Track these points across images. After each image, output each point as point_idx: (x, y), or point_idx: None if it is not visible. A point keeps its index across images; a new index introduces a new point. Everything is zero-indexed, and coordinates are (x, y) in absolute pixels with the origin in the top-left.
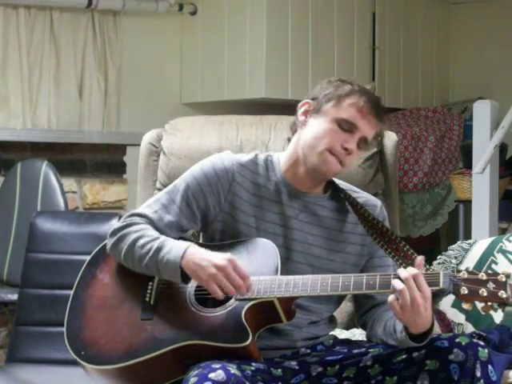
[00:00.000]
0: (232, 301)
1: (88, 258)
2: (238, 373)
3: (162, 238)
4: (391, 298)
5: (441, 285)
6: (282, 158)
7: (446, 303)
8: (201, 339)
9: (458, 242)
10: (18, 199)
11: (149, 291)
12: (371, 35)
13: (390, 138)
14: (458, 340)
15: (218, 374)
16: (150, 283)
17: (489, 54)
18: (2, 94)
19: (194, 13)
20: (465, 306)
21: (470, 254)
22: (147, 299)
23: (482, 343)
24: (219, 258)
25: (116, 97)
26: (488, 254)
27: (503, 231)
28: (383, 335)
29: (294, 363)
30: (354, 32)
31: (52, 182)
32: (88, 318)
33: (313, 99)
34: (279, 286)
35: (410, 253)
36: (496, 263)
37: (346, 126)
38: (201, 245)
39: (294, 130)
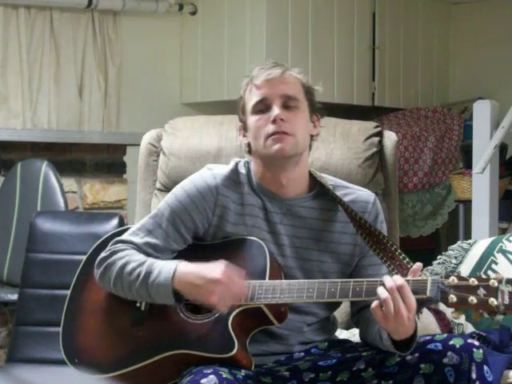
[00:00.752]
0: None
1: (84, 258)
2: (229, 376)
3: (149, 261)
4: (374, 304)
5: (427, 293)
6: (252, 167)
7: None
8: (189, 349)
9: (458, 242)
10: (17, 199)
11: None
12: (371, 35)
13: (390, 138)
14: (451, 342)
15: (210, 379)
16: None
17: (489, 54)
18: (1, 94)
19: (194, 13)
20: (454, 314)
21: (470, 254)
22: (138, 305)
23: (476, 343)
24: (213, 272)
25: (116, 97)
26: (488, 254)
27: (503, 231)
28: (373, 341)
29: (285, 372)
30: (354, 32)
31: (52, 182)
32: (81, 324)
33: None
34: (266, 292)
35: (401, 257)
36: (496, 263)
37: (260, 108)
38: (192, 246)
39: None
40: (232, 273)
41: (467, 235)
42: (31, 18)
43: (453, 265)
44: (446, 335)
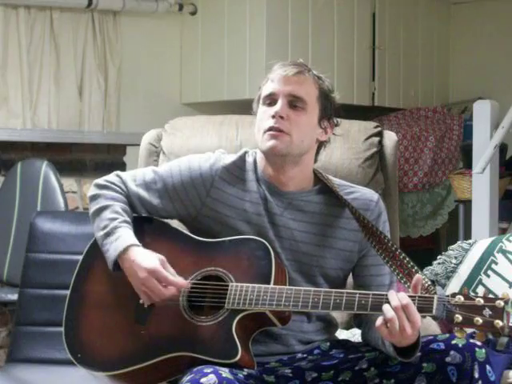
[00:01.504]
0: (224, 310)
1: (86, 247)
2: (230, 376)
3: (119, 220)
4: (379, 322)
5: (433, 312)
6: (258, 157)
7: None
8: (191, 352)
9: (458, 242)
10: (17, 199)
11: None
12: (371, 35)
13: (390, 138)
14: (454, 342)
15: (210, 379)
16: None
17: (489, 54)
18: (2, 94)
19: (194, 13)
20: (458, 333)
21: (470, 254)
22: (141, 301)
23: (478, 343)
24: (150, 260)
25: (116, 97)
26: (488, 254)
27: (503, 231)
28: (376, 345)
29: (288, 371)
30: (354, 32)
31: (52, 182)
32: (84, 317)
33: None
34: (271, 298)
35: (410, 265)
36: (496, 263)
37: (268, 101)
38: (197, 243)
39: None
40: (166, 265)
41: (467, 235)
42: (31, 18)
43: (453, 265)
44: (448, 335)
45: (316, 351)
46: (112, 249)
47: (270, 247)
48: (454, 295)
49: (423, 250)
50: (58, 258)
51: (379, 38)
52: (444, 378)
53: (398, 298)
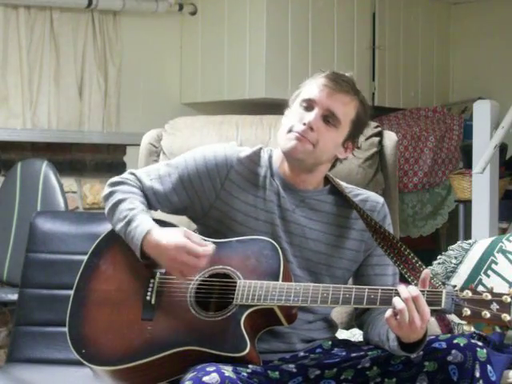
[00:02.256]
0: (232, 306)
1: (92, 247)
2: (232, 375)
3: (138, 209)
4: (388, 313)
5: (442, 305)
6: (275, 153)
7: None
8: (199, 346)
9: (458, 242)
10: (17, 199)
11: (150, 289)
12: (371, 35)
13: (390, 138)
14: (456, 341)
15: (213, 377)
16: (152, 280)
17: (489, 54)
18: (2, 94)
19: (194, 13)
20: (466, 327)
21: (470, 253)
22: (148, 298)
23: (480, 343)
24: (175, 236)
25: (116, 97)
26: (488, 254)
27: (503, 231)
28: (378, 342)
29: (291, 366)
30: (354, 32)
31: (52, 182)
32: (89, 314)
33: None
34: (280, 294)
35: (414, 260)
36: (496, 263)
37: (305, 104)
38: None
39: None
40: (187, 245)
41: (467, 235)
42: (31, 18)
43: (453, 265)
44: (449, 335)
45: (318, 350)
46: (135, 237)
47: (278, 246)
48: (462, 290)
49: (423, 250)
50: (57, 257)
51: (379, 38)
52: (445, 377)
53: (407, 290)
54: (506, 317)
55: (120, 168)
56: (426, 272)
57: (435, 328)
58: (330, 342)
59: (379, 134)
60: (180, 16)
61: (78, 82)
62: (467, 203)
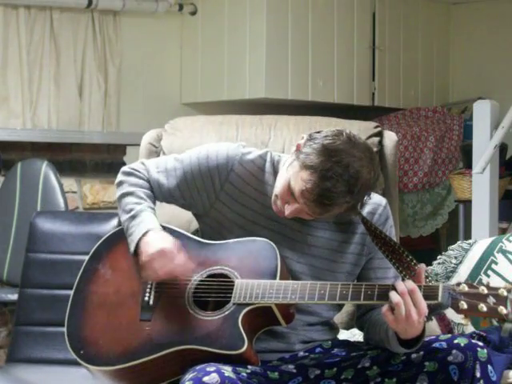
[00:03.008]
0: (230, 304)
1: (91, 250)
2: (232, 375)
3: (143, 205)
4: (385, 307)
5: (439, 299)
6: (283, 159)
7: None
8: (197, 344)
9: (458, 242)
10: (18, 199)
11: (148, 290)
12: (371, 35)
13: (390, 138)
14: (456, 341)
15: (213, 378)
16: (150, 282)
17: (489, 54)
18: (1, 94)
19: (194, 13)
20: (463, 320)
21: (470, 253)
22: (146, 299)
23: (480, 343)
24: (165, 241)
25: (116, 97)
26: (488, 254)
27: (503, 231)
28: (378, 340)
29: (291, 366)
30: (354, 32)
31: (52, 182)
32: (88, 316)
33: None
34: (277, 292)
35: (412, 264)
36: (496, 263)
37: (289, 191)
38: (204, 244)
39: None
40: (172, 252)
41: (467, 235)
42: (31, 18)
43: (453, 265)
44: (450, 335)
45: (318, 349)
46: (136, 232)
47: (274, 246)
48: (458, 284)
49: (423, 249)
50: (57, 257)
51: (379, 38)
52: (446, 377)
53: (404, 284)
54: (502, 310)
55: (120, 168)
56: (422, 266)
57: (435, 328)
58: (329, 342)
59: (379, 134)
60: (180, 16)
61: (78, 82)
62: (467, 203)
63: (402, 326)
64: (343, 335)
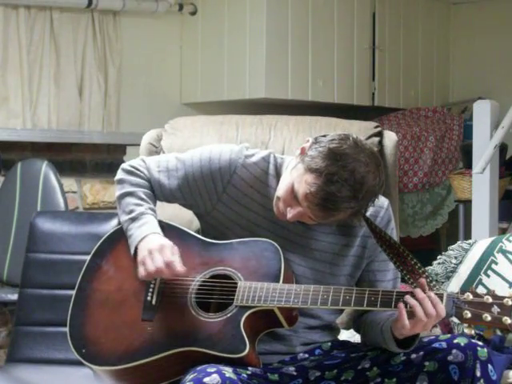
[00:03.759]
0: (232, 307)
1: (94, 248)
2: (233, 376)
3: (144, 207)
4: (403, 315)
5: None
6: (286, 161)
7: None
8: (199, 346)
9: (458, 242)
10: (17, 199)
11: (151, 289)
12: (371, 35)
13: (390, 138)
14: (456, 341)
15: (213, 378)
16: (153, 281)
17: (489, 54)
18: (1, 94)
19: (194, 13)
20: (466, 329)
21: (470, 254)
22: (149, 298)
23: (480, 343)
24: (163, 240)
25: (116, 97)
26: (488, 254)
27: (503, 231)
28: (375, 342)
29: (291, 369)
30: (354, 32)
31: (52, 182)
32: (90, 314)
33: (310, 145)
34: (280, 295)
35: (417, 267)
36: (496, 263)
37: (293, 194)
38: (208, 244)
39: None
40: (168, 247)
41: (467, 235)
42: (31, 18)
43: (453, 265)
44: (450, 335)
45: (317, 351)
46: (136, 234)
47: (279, 248)
48: (462, 292)
49: (423, 249)
50: (58, 257)
51: (379, 38)
52: (446, 376)
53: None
54: (506, 320)
55: None
56: (421, 281)
57: (435, 328)
58: (329, 344)
59: (379, 134)
60: (180, 16)
61: (78, 82)
62: (467, 203)
63: (418, 329)
64: (344, 335)
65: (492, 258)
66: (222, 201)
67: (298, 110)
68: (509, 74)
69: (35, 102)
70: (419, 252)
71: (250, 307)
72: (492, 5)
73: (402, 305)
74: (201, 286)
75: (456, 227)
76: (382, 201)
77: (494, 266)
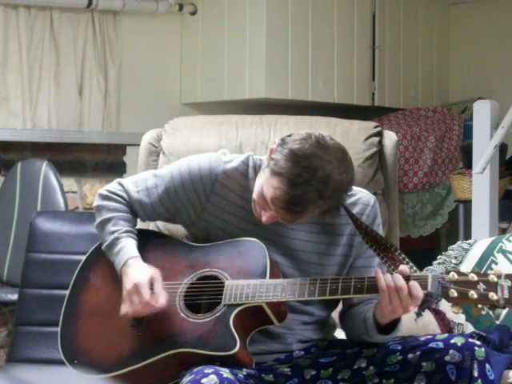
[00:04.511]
0: (221, 306)
1: (82, 260)
2: (230, 376)
3: (120, 231)
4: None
5: (429, 288)
6: (264, 163)
7: (446, 303)
8: (190, 347)
9: (458, 242)
10: (18, 199)
11: None
12: (371, 35)
13: (390, 138)
14: (453, 341)
15: (211, 379)
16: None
17: (489, 54)
18: (1, 94)
19: (194, 13)
20: (454, 309)
21: (470, 253)
22: None
23: (478, 342)
24: (140, 274)
25: (116, 97)
26: (488, 254)
27: (503, 231)
28: (358, 332)
29: (286, 369)
30: (354, 32)
31: (52, 182)
32: (81, 325)
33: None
34: (267, 291)
35: (405, 262)
36: (496, 263)
37: (262, 197)
38: (187, 245)
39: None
40: (157, 283)
41: (467, 235)
42: (31, 18)
43: (453, 265)
44: (447, 335)
45: (313, 349)
46: (116, 263)
47: (263, 245)
48: (447, 272)
49: (423, 249)
50: (57, 257)
51: (379, 38)
52: (443, 376)
53: (390, 278)
54: (493, 296)
55: (120, 168)
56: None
57: (435, 328)
58: (325, 342)
59: (379, 134)
60: (180, 16)
61: (78, 82)
62: (467, 203)
63: (395, 305)
64: (342, 335)
65: (492, 258)
66: (207, 210)
67: (297, 110)
68: (509, 74)
69: (35, 102)
70: (419, 252)
71: (238, 305)
72: (492, 5)
73: (379, 274)
74: (189, 288)
75: (456, 227)
76: (368, 199)
77: (494, 265)
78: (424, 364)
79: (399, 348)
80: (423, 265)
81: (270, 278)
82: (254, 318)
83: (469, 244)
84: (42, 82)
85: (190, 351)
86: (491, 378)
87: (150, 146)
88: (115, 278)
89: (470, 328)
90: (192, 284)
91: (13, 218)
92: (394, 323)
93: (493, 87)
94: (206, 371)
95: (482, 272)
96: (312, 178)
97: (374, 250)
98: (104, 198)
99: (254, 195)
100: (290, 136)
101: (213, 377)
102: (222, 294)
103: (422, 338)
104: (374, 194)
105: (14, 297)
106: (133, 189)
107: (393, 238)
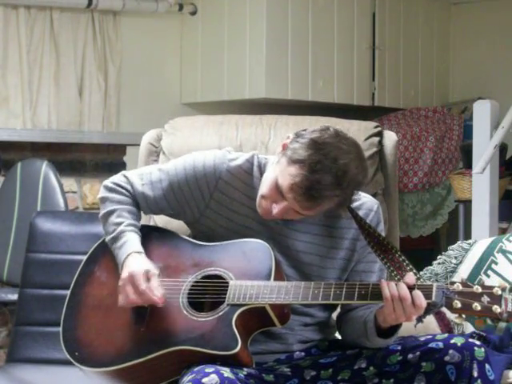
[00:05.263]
0: (224, 305)
1: (87, 254)
2: (231, 376)
3: (124, 224)
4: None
5: (433, 298)
6: (270, 162)
7: None
8: (191, 345)
9: (458, 242)
10: (18, 199)
11: None
12: (371, 35)
13: (390, 138)
14: (453, 341)
15: (212, 378)
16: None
17: (489, 54)
18: (2, 94)
19: (194, 13)
20: (457, 319)
21: (470, 253)
22: None
23: (477, 342)
24: (138, 266)
25: (116, 97)
26: (488, 254)
27: (503, 231)
28: (356, 336)
29: (286, 369)
30: (354, 32)
31: (52, 182)
32: (83, 318)
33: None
34: (271, 292)
35: (405, 264)
36: (496, 263)
37: (278, 189)
38: (193, 243)
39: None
40: (153, 277)
41: (467, 235)
42: (31, 18)
43: (453, 265)
44: (446, 335)
45: (314, 350)
46: (119, 255)
47: (269, 247)
48: (452, 283)
49: (423, 249)
50: (57, 257)
51: (379, 38)
52: (443, 377)
53: (394, 287)
54: (496, 309)
55: (120, 168)
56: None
57: (435, 328)
58: (326, 343)
59: (379, 134)
60: (180, 16)
61: (78, 82)
62: (467, 203)
63: (399, 313)
64: None
65: (492, 258)
66: (210, 207)
67: (297, 110)
68: (509, 74)
69: (35, 102)
70: (419, 252)
71: (241, 305)
72: (492, 5)
73: (384, 283)
74: (193, 286)
75: (456, 227)
76: (371, 204)
77: (494, 266)
78: (424, 364)
79: (399, 348)
80: (423, 265)
81: (275, 280)
82: (257, 320)
83: (469, 244)
84: (41, 82)
85: (191, 349)
86: (491, 378)
87: (149, 146)
88: (119, 273)
89: (470, 328)
90: (196, 282)
91: (13, 218)
92: (395, 328)
93: (493, 87)
94: (206, 370)
95: (483, 272)
96: (331, 165)
97: (375, 251)
98: (109, 189)
99: (264, 189)
100: (304, 130)
101: (214, 376)
102: (225, 294)
103: (422, 338)
104: (374, 193)
105: (14, 297)
106: (138, 182)
107: (393, 238)
